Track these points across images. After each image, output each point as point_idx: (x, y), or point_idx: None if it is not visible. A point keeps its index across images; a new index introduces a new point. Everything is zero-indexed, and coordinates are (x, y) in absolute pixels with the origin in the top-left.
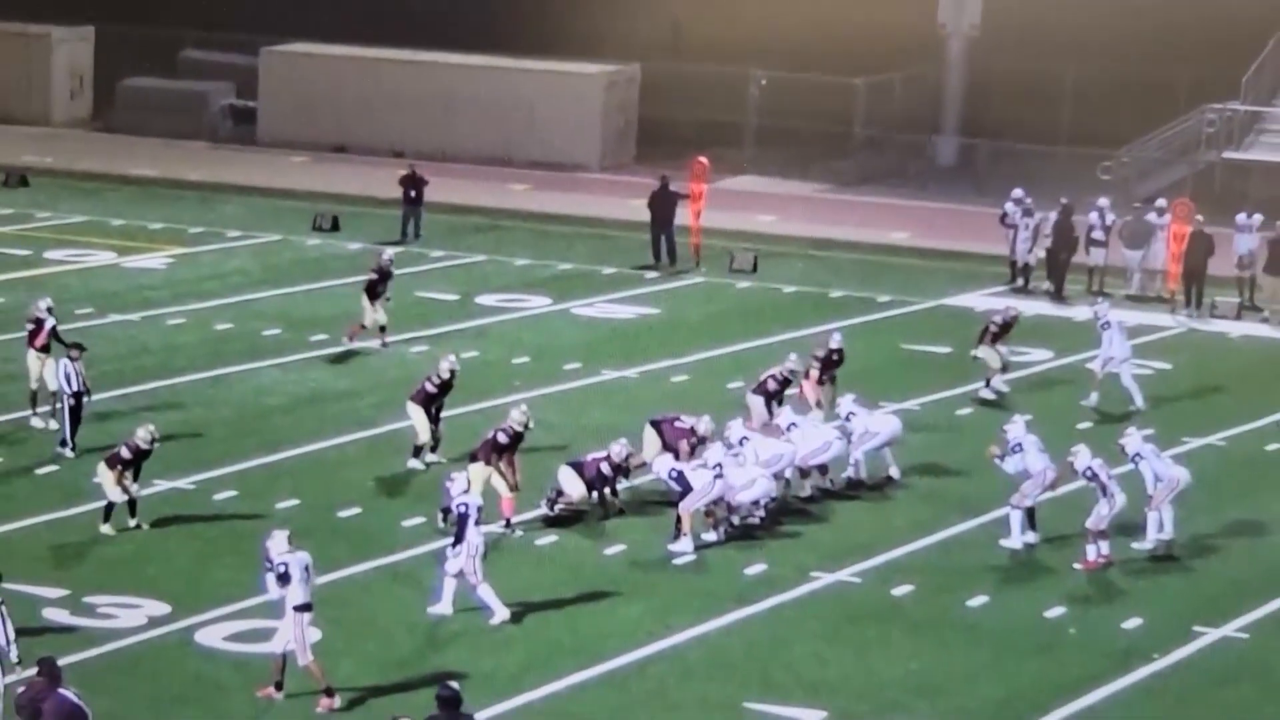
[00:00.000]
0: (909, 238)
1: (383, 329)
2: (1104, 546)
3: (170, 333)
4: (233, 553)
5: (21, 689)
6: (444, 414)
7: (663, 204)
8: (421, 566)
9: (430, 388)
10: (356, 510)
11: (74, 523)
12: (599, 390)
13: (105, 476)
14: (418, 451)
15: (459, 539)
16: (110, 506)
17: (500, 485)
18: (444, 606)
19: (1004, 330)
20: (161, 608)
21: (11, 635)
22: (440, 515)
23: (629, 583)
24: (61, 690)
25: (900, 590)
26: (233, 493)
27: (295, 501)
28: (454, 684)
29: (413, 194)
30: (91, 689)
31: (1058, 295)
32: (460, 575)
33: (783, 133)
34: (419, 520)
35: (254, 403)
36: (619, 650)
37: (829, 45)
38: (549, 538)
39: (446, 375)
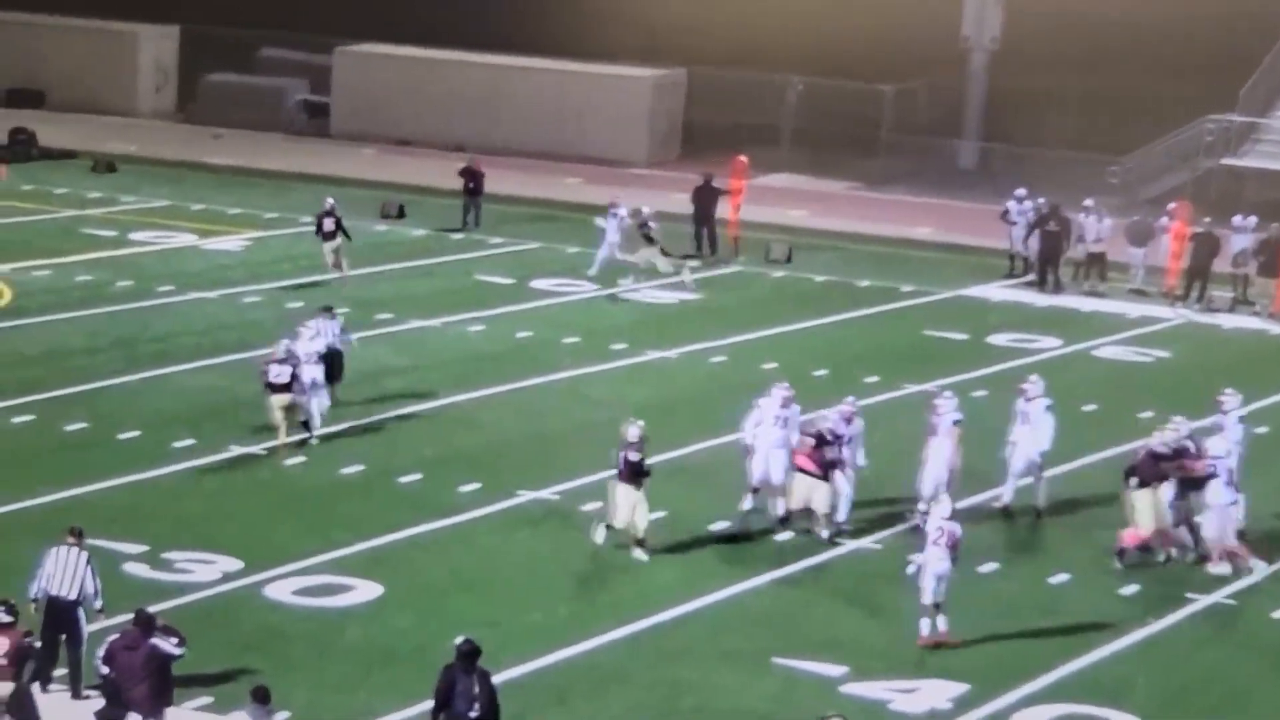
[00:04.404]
0: (931, 233)
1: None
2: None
3: (246, 310)
4: (300, 513)
5: (114, 636)
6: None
7: (705, 198)
8: (475, 529)
9: (633, 456)
10: (416, 476)
11: (154, 485)
12: (643, 369)
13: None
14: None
15: None
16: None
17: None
18: None
19: None
20: (234, 563)
21: (99, 586)
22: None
23: (667, 547)
24: (152, 640)
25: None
26: (302, 459)
27: (360, 467)
28: (473, 638)
29: (472, 185)
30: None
31: (1043, 284)
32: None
33: (817, 134)
34: (475, 486)
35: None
36: (655, 609)
37: (860, 54)
38: (595, 503)
39: (636, 438)
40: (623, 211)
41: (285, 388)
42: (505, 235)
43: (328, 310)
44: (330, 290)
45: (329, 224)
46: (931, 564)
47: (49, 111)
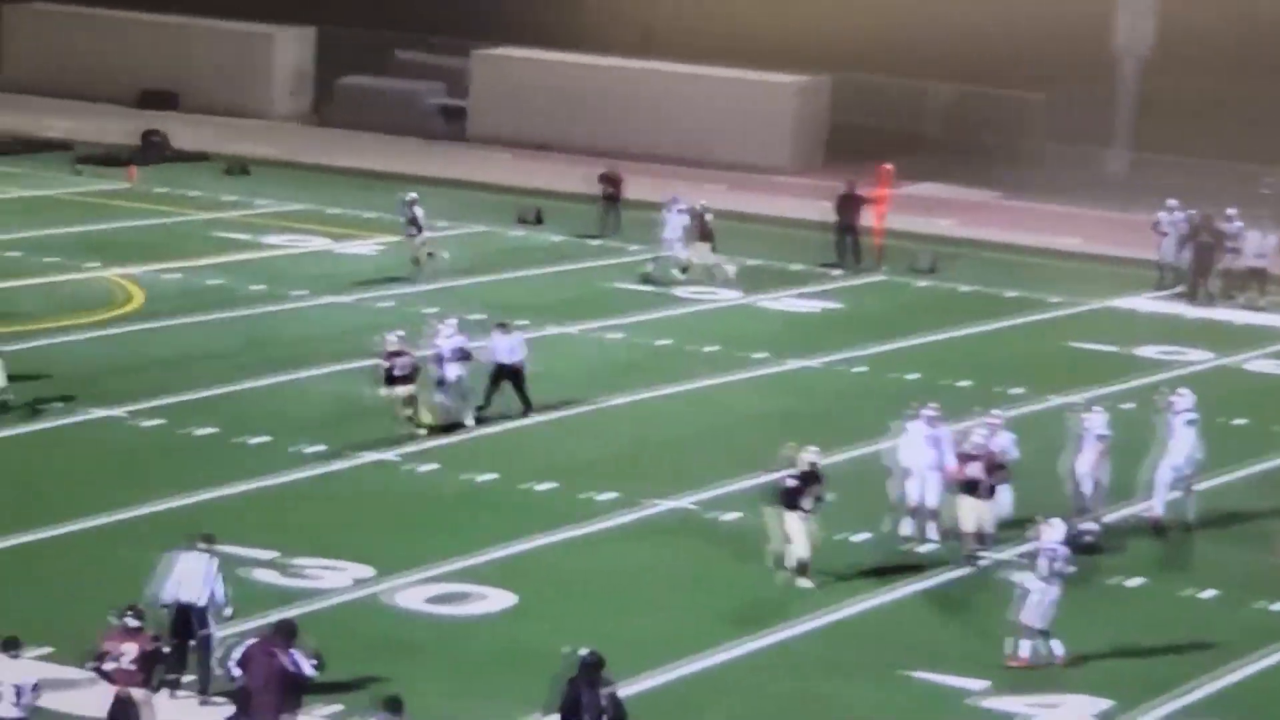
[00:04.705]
0: (1079, 243)
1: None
2: None
3: (379, 314)
4: (432, 521)
5: (253, 641)
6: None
7: (848, 206)
8: (609, 538)
9: (790, 483)
10: (550, 484)
11: (284, 490)
12: (784, 378)
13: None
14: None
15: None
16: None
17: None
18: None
19: None
20: (365, 570)
21: (228, 592)
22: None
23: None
24: (293, 651)
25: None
26: (434, 465)
27: (493, 474)
28: (596, 650)
29: (610, 191)
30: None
31: (1194, 297)
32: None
33: (964, 142)
34: (609, 494)
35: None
36: (790, 620)
37: (1009, 61)
38: (724, 513)
39: (808, 465)
40: (683, 206)
41: (407, 379)
42: (644, 242)
43: (503, 326)
44: (461, 295)
45: (419, 214)
46: (1038, 588)
47: (183, 113)
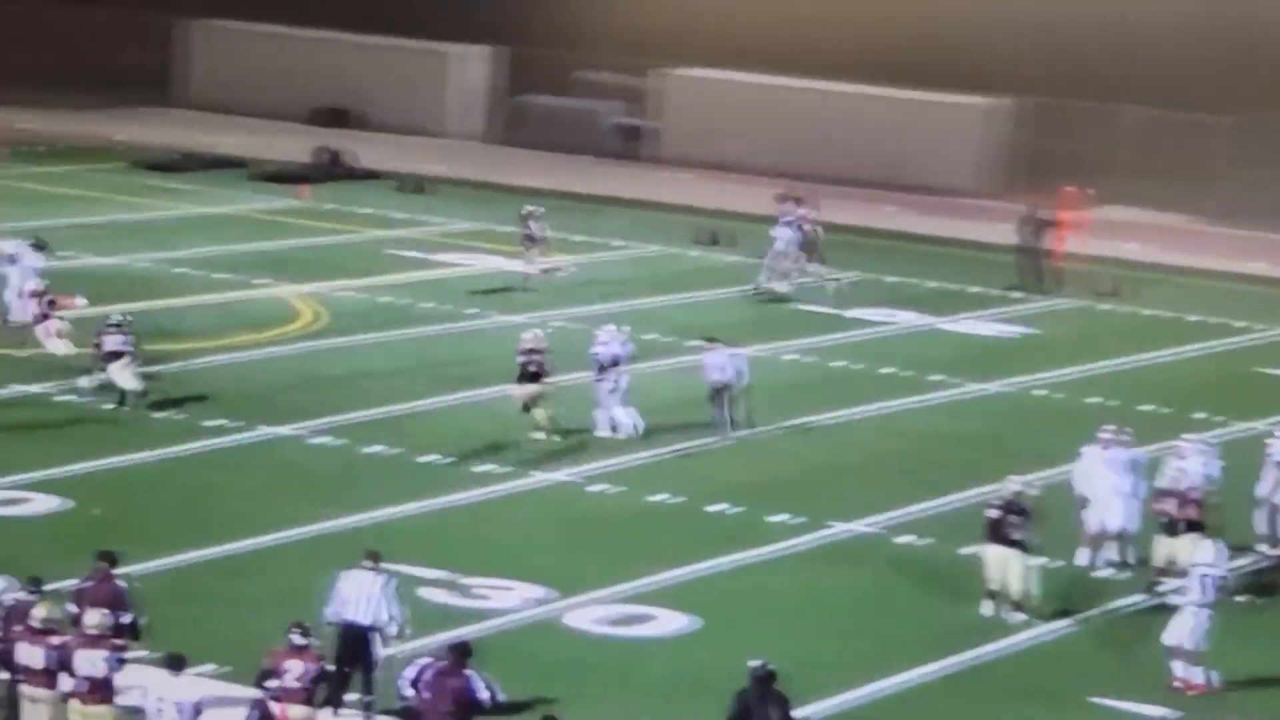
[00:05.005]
0: (1266, 268)
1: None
2: None
3: (551, 335)
4: (606, 541)
5: (427, 661)
6: None
7: (1031, 229)
8: (786, 560)
9: (992, 514)
10: (726, 506)
11: (455, 509)
12: (962, 402)
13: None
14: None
15: None
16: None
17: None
18: None
19: None
20: (535, 591)
21: (403, 611)
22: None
23: (963, 585)
24: (468, 672)
25: (1243, 600)
26: (615, 486)
27: (669, 495)
28: (768, 662)
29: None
30: None
31: None
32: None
33: (1154, 166)
34: (786, 516)
35: (633, 404)
36: (971, 644)
37: (1199, 84)
38: (907, 537)
39: (1011, 495)
40: (800, 213)
41: (537, 377)
42: (827, 264)
43: (711, 340)
44: (636, 316)
45: (534, 228)
46: (1191, 613)
47: (358, 131)
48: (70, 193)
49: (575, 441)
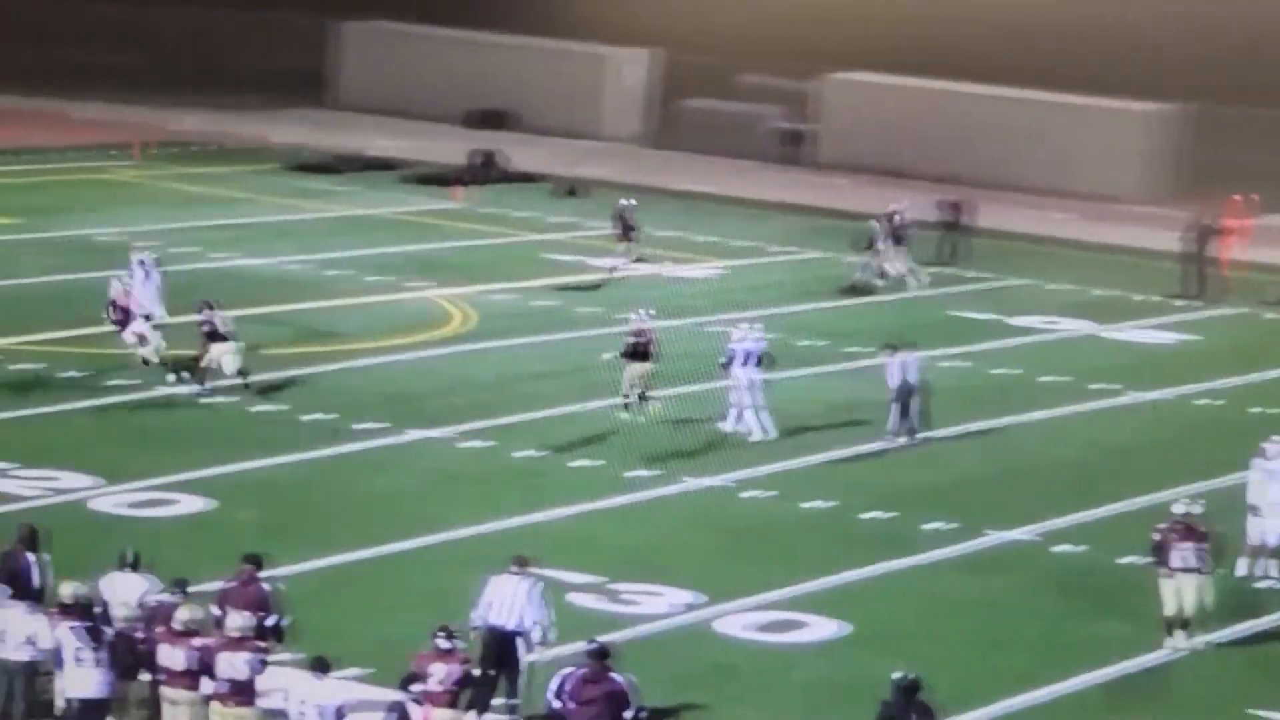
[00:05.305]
0: None
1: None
2: None
3: (708, 339)
4: (758, 547)
5: (569, 670)
6: None
7: (1196, 237)
8: (940, 568)
9: (1155, 536)
10: (881, 513)
11: (606, 514)
12: (1123, 410)
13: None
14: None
15: None
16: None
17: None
18: None
19: None
20: (686, 596)
21: (551, 616)
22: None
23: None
24: (614, 675)
25: None
26: (769, 492)
27: (822, 502)
28: (912, 674)
29: (953, 218)
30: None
31: None
32: None
33: None
34: (941, 524)
35: (788, 409)
36: (1120, 657)
37: None
38: (1063, 546)
39: (1179, 517)
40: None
41: (644, 356)
42: (986, 270)
43: (891, 348)
44: (795, 322)
45: (631, 220)
46: None
47: (513, 133)
48: (224, 194)
49: (728, 447)
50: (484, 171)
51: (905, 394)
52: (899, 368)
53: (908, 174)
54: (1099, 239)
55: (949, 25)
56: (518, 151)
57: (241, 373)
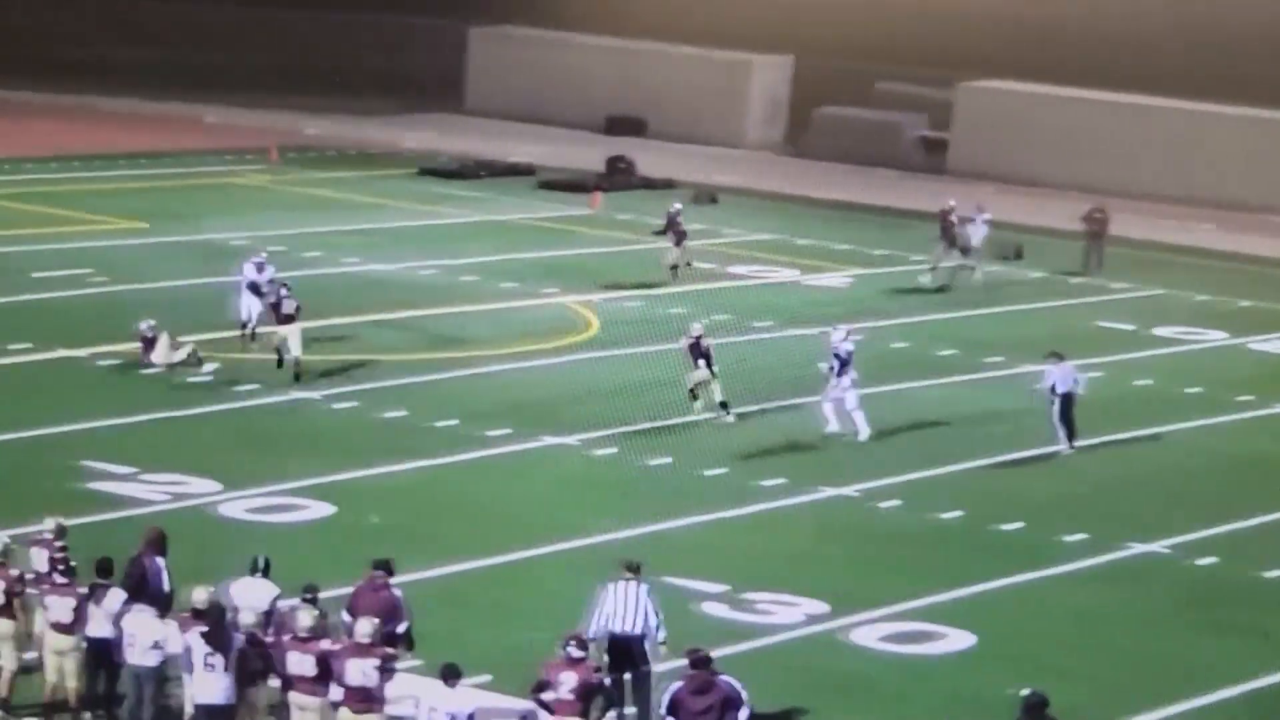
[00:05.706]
0: None
1: (674, 268)
2: None
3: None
4: (892, 558)
5: (677, 683)
6: None
7: None
8: (1078, 580)
9: None
10: (1019, 524)
11: (738, 522)
12: (1265, 423)
13: None
14: None
15: None
16: None
17: None
18: None
19: None
20: (819, 606)
21: (661, 619)
22: None
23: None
24: (724, 679)
25: None
26: (897, 501)
27: (960, 512)
28: (1041, 690)
29: (1095, 228)
30: (743, 679)
31: None
32: None
33: None
34: (1081, 535)
35: (921, 417)
36: (1268, 672)
37: None
38: (1203, 559)
39: None
40: (989, 216)
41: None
42: (1129, 280)
43: (1057, 355)
44: (933, 330)
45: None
46: None
47: (650, 140)
48: (358, 199)
49: (860, 456)
50: (621, 178)
51: (1067, 403)
52: (1062, 376)
53: (1044, 183)
54: (1243, 249)
55: (1082, 33)
56: (654, 158)
57: (296, 360)
